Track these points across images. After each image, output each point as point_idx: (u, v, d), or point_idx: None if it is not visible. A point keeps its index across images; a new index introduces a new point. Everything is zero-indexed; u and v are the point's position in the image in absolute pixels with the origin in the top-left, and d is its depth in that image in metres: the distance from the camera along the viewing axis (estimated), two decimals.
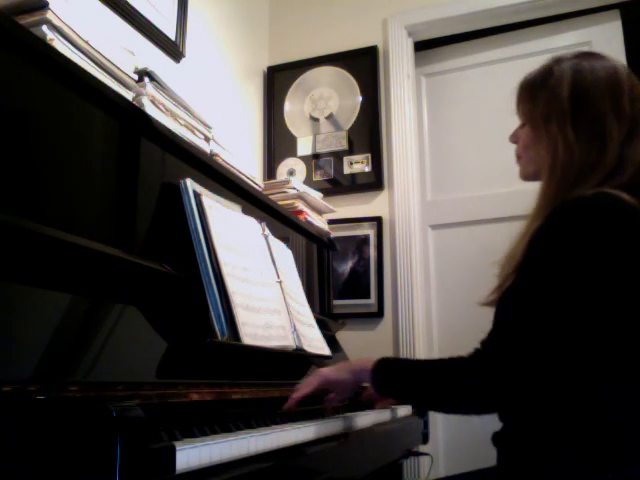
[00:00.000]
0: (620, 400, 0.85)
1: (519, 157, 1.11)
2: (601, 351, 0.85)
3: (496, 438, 0.99)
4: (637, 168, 0.94)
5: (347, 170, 2.60)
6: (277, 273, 1.42)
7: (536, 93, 1.04)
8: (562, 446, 0.86)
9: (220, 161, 1.51)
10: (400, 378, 1.00)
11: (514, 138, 1.12)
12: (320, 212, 2.18)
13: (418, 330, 2.40)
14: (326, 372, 1.11)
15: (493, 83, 2.60)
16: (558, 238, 0.88)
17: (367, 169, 2.57)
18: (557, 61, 1.04)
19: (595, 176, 0.94)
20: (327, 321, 1.87)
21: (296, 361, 1.48)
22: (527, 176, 1.10)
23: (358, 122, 2.62)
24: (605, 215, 0.87)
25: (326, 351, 1.54)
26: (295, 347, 1.34)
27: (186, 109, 1.39)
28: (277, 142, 2.73)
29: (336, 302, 2.32)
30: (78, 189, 1.01)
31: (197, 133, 1.44)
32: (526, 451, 0.91)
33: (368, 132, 2.59)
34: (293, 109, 2.75)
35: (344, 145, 2.62)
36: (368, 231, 2.53)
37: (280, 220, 1.75)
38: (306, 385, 1.10)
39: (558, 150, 0.97)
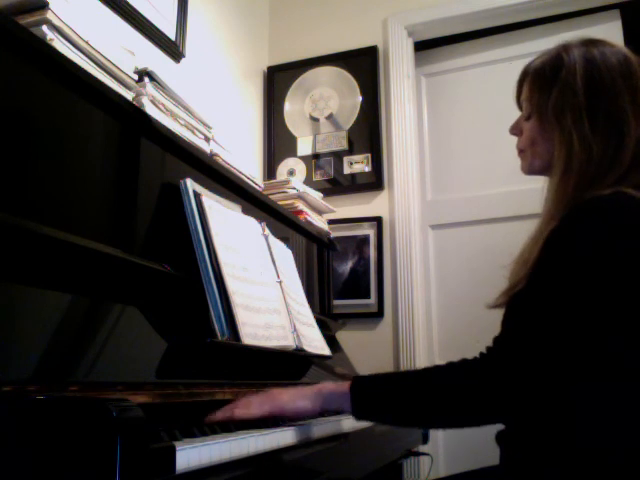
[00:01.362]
0: (627, 408, 0.84)
1: (522, 150, 1.06)
2: (622, 362, 0.83)
3: (500, 437, 0.98)
4: None
5: (347, 170, 2.60)
6: (277, 273, 1.42)
7: (546, 84, 0.98)
8: (563, 449, 0.86)
9: (220, 161, 1.50)
10: (390, 394, 0.90)
11: (516, 129, 1.07)
12: (320, 212, 2.18)
13: (418, 330, 2.40)
14: (283, 401, 0.96)
15: (493, 83, 2.60)
16: (576, 242, 0.84)
17: (367, 169, 2.57)
18: (565, 49, 0.99)
19: (612, 174, 0.90)
20: (327, 321, 1.87)
21: (296, 361, 1.48)
22: (532, 171, 1.05)
23: (358, 122, 2.62)
24: (625, 217, 0.84)
25: (326, 351, 1.54)
26: (295, 347, 1.34)
27: (186, 109, 1.39)
28: (277, 142, 2.73)
29: (336, 302, 2.32)
30: (78, 189, 1.01)
31: (197, 133, 1.44)
32: (529, 451, 0.90)
33: (368, 132, 2.59)
34: (293, 109, 2.75)
35: (344, 145, 2.62)
36: (368, 231, 2.53)
37: (280, 220, 1.75)
38: (254, 406, 0.94)
39: (574, 145, 0.92)
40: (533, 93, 1.02)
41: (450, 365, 0.90)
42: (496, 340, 0.89)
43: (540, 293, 0.86)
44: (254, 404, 0.95)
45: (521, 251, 0.95)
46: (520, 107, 1.08)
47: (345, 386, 0.94)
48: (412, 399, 0.89)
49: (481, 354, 0.90)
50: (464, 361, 0.89)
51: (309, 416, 0.99)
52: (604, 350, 0.83)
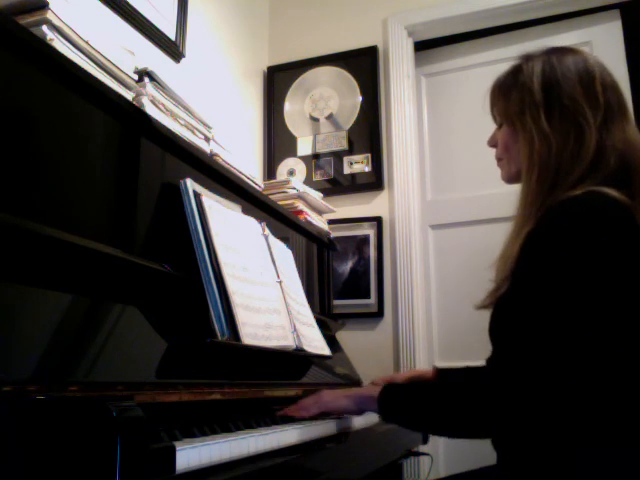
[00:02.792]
0: (627, 410, 0.84)
1: (499, 159, 1.10)
2: (611, 360, 0.83)
3: (496, 440, 0.98)
4: (619, 157, 0.93)
5: (347, 170, 2.60)
6: (277, 273, 1.42)
7: (508, 91, 1.04)
8: (559, 448, 0.86)
9: (220, 161, 1.50)
10: (411, 404, 0.98)
11: (492, 141, 1.12)
12: (320, 212, 2.18)
13: (418, 330, 2.40)
14: (327, 400, 1.11)
15: None
16: (551, 245, 0.86)
17: (367, 169, 2.57)
18: (526, 58, 1.05)
19: (578, 167, 0.92)
20: (327, 321, 1.87)
21: (296, 361, 1.48)
22: (510, 177, 1.09)
23: (358, 122, 2.62)
24: (598, 217, 0.85)
25: (326, 351, 1.54)
26: (295, 347, 1.34)
27: (186, 109, 1.39)
28: (277, 142, 2.73)
29: (336, 302, 2.32)
30: (78, 189, 1.01)
31: (197, 133, 1.44)
32: (526, 451, 0.90)
33: (368, 132, 2.59)
34: (293, 109, 2.75)
35: (344, 145, 2.62)
36: (368, 231, 2.53)
37: (280, 220, 1.75)
38: (304, 409, 1.11)
39: (534, 140, 0.97)
40: (499, 101, 1.07)
41: (458, 383, 0.94)
42: (496, 356, 0.91)
43: (525, 299, 0.87)
44: (302, 409, 1.12)
45: (502, 253, 0.98)
46: (495, 119, 1.12)
47: (376, 392, 1.02)
48: (431, 412, 0.96)
49: (488, 369, 0.91)
50: (473, 380, 0.92)
51: (351, 414, 1.17)
52: (593, 350, 0.83)
